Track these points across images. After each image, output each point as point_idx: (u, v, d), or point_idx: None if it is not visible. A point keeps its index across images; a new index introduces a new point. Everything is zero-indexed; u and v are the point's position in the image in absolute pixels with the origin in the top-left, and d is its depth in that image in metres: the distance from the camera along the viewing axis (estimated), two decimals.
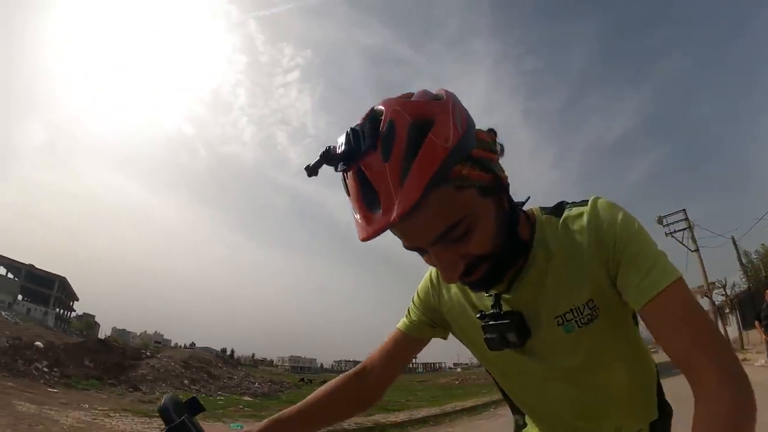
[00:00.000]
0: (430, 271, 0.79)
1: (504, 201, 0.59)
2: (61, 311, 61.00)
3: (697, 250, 18.81)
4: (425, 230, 0.51)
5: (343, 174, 0.52)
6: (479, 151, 0.54)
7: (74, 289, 64.51)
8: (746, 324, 16.06)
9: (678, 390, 0.83)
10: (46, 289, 57.80)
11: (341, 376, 0.79)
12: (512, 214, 0.61)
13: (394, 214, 0.46)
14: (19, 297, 50.65)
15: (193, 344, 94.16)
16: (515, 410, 0.87)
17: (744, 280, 18.64)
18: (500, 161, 0.59)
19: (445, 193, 0.50)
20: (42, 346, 9.72)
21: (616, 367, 0.70)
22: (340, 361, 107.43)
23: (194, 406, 0.58)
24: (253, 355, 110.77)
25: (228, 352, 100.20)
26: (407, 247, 0.55)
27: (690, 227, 19.21)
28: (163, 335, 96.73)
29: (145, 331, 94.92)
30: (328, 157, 0.51)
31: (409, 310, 0.82)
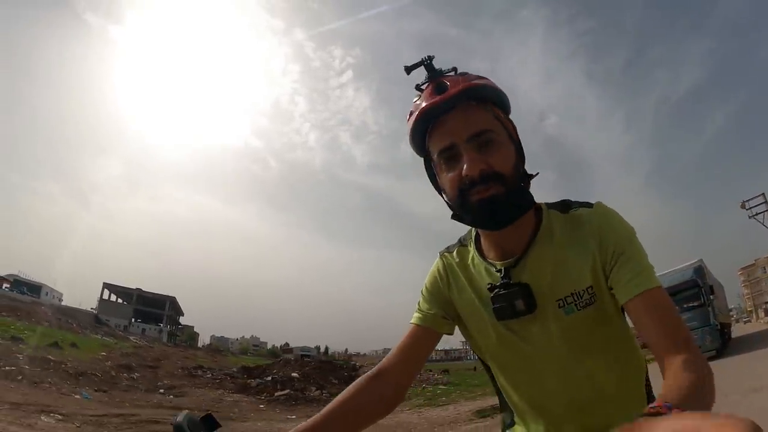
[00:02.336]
0: (437, 264, 0.87)
1: (521, 160, 0.74)
2: (171, 327, 69.32)
3: None
4: (466, 123, 0.68)
5: (419, 88, 0.74)
6: (512, 121, 0.75)
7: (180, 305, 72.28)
8: None
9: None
10: (157, 309, 66.27)
11: (359, 380, 0.76)
12: (525, 177, 0.74)
13: (458, 87, 0.68)
14: (132, 319, 57.19)
15: (287, 344, 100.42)
16: (504, 408, 0.90)
17: None
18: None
19: (486, 110, 0.70)
20: (297, 376, 14.14)
21: (608, 359, 0.76)
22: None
23: (210, 424, 0.57)
24: (346, 350, 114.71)
25: (322, 350, 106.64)
26: (443, 149, 0.70)
27: None
28: (259, 338, 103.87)
29: (243, 336, 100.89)
30: (430, 66, 0.73)
31: (419, 304, 0.85)
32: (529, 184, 0.74)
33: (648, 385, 0.83)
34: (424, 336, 0.81)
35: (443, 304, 0.83)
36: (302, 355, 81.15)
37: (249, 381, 14.86)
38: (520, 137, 0.75)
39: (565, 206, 0.77)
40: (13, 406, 6.66)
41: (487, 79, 0.72)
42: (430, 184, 0.78)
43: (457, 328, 0.86)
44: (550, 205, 0.79)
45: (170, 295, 70.05)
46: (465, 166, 0.67)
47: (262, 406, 11.62)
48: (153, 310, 65.11)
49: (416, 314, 0.83)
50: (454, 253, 0.85)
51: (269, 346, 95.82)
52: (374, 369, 0.77)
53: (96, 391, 10.52)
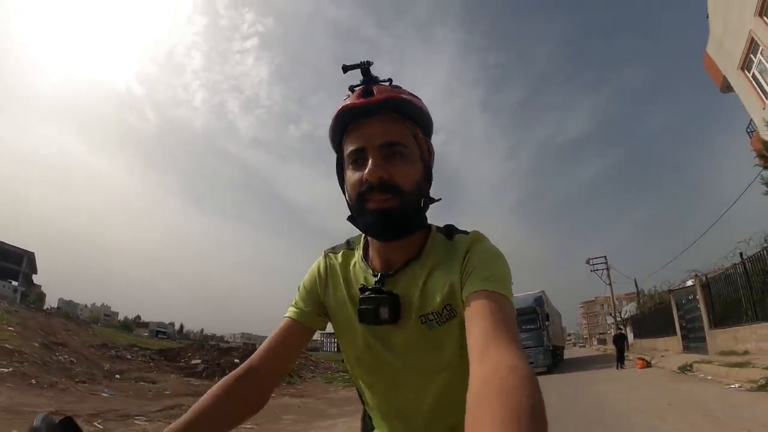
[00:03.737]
0: (319, 262, 0.88)
1: (426, 184, 0.77)
2: (25, 286, 60.95)
3: (610, 284, 29.68)
4: (381, 131, 0.71)
5: (351, 90, 0.74)
6: (430, 144, 0.79)
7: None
8: (637, 335, 26.26)
9: None
10: (14, 264, 58.09)
11: (226, 379, 0.73)
12: (426, 199, 0.77)
13: (383, 95, 0.71)
14: None
15: (138, 317, 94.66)
16: (365, 411, 0.93)
17: (637, 308, 28.41)
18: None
19: (405, 125, 0.73)
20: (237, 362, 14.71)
21: (464, 368, 0.72)
22: None
23: (69, 428, 0.54)
24: (202, 331, 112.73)
25: (177, 327, 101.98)
26: (355, 150, 0.72)
27: (607, 268, 29.59)
28: (110, 307, 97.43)
29: (94, 303, 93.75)
30: (366, 70, 0.74)
31: (296, 299, 0.86)
32: (428, 207, 0.78)
33: None
34: (297, 331, 0.81)
35: (318, 303, 0.84)
36: (157, 332, 78.66)
37: (177, 365, 15.00)
38: (434, 162, 0.80)
39: (449, 232, 0.80)
40: None
41: (417, 98, 0.76)
42: (337, 181, 0.79)
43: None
44: (438, 229, 0.82)
45: (29, 250, 61.52)
46: (366, 170, 0.69)
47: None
48: (9, 265, 56.47)
49: (291, 308, 0.84)
50: (339, 254, 0.87)
51: (120, 317, 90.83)
52: (244, 366, 0.74)
53: (40, 385, 8.46)
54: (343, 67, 0.74)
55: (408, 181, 0.71)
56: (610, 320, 35.73)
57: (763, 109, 11.26)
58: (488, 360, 0.51)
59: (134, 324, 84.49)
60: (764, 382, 6.10)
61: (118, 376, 11.88)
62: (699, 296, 13.00)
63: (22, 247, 60.86)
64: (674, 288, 16.25)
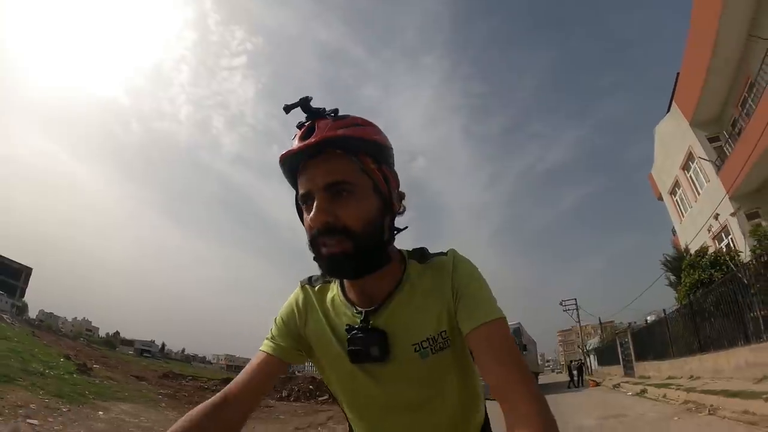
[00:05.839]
0: (296, 295, 0.88)
1: (387, 216, 0.74)
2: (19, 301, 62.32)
3: (578, 322, 35.98)
4: (324, 171, 0.69)
5: (298, 127, 0.72)
6: (388, 170, 0.76)
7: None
8: (599, 363, 32.54)
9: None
10: (13, 279, 60.19)
11: (202, 405, 0.73)
12: (387, 232, 0.75)
13: (318, 137, 0.68)
14: None
15: (117, 333, 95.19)
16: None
17: (599, 342, 35.18)
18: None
19: (351, 160, 0.70)
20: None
21: (459, 398, 0.84)
22: None
23: None
24: (184, 350, 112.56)
25: (159, 346, 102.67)
26: (303, 194, 0.71)
27: (577, 308, 36.15)
28: (91, 322, 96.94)
29: (75, 318, 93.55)
30: (306, 107, 0.72)
31: (272, 331, 0.86)
32: (393, 239, 0.77)
33: (486, 420, 0.94)
34: (272, 364, 0.80)
35: (296, 337, 0.84)
36: (142, 350, 79.83)
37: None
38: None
39: (422, 256, 0.82)
40: None
41: (366, 126, 0.74)
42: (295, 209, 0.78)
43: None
44: (409, 254, 0.83)
45: (28, 265, 63.84)
46: (311, 215, 0.69)
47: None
48: (8, 280, 58.73)
49: (268, 342, 0.83)
50: (317, 288, 0.87)
51: (102, 333, 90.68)
52: (220, 394, 0.75)
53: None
54: (284, 108, 0.73)
55: (358, 220, 0.69)
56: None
57: (680, 222, 17.79)
58: (514, 398, 0.61)
59: (118, 341, 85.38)
60: (640, 391, 12.15)
61: None
62: (629, 340, 19.50)
63: (21, 262, 62.94)
64: (619, 331, 22.89)
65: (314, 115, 0.72)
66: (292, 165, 0.73)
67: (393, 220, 0.77)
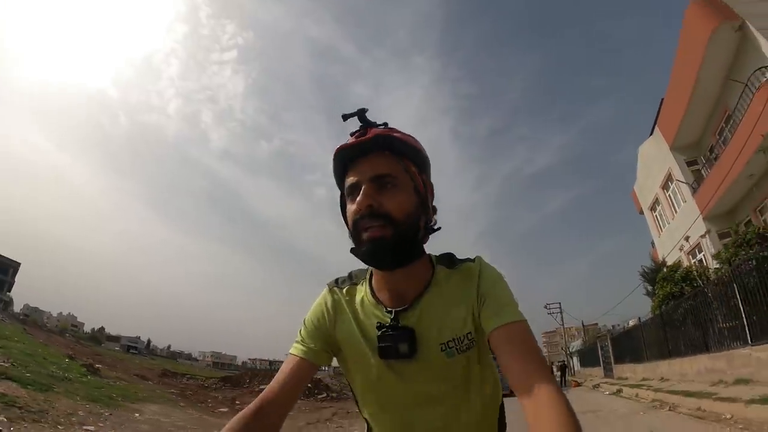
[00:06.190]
0: (324, 296, 0.91)
1: (423, 216, 0.81)
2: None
3: (562, 325, 38.08)
4: (374, 166, 0.77)
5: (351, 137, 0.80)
6: (427, 180, 0.85)
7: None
8: (582, 365, 34.38)
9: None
10: (1, 274, 59.37)
11: (242, 414, 0.74)
12: (422, 231, 0.81)
13: (371, 135, 0.77)
14: None
15: (102, 329, 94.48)
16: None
17: (582, 344, 36.91)
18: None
19: (397, 160, 0.79)
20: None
21: (480, 396, 0.88)
22: (255, 360, 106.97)
23: None
24: (169, 347, 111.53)
25: (145, 342, 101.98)
26: (351, 185, 0.78)
27: (561, 312, 38.05)
28: (76, 317, 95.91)
29: (61, 313, 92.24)
30: (362, 117, 0.80)
31: (301, 334, 0.88)
32: (427, 238, 0.83)
33: (502, 416, 0.98)
34: (304, 368, 0.82)
35: (326, 338, 0.87)
36: (128, 347, 79.34)
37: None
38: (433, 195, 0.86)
39: (450, 261, 0.87)
40: None
41: (411, 137, 0.82)
42: (339, 212, 0.85)
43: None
44: (438, 259, 0.88)
45: (17, 261, 62.93)
46: (357, 200, 0.76)
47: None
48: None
49: (298, 345, 0.86)
50: (344, 290, 0.90)
51: (87, 328, 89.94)
52: (256, 402, 0.76)
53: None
54: (342, 116, 0.80)
55: (400, 210, 0.75)
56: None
57: (659, 236, 19.23)
58: (535, 397, 0.61)
59: (104, 337, 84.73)
60: (616, 391, 13.38)
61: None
62: (609, 344, 21.04)
63: (10, 258, 62.06)
64: (600, 335, 24.52)
65: (368, 124, 0.80)
66: (343, 160, 0.81)
67: (427, 223, 0.82)
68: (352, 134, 0.80)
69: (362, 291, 0.89)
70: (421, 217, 0.80)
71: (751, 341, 7.51)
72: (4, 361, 8.68)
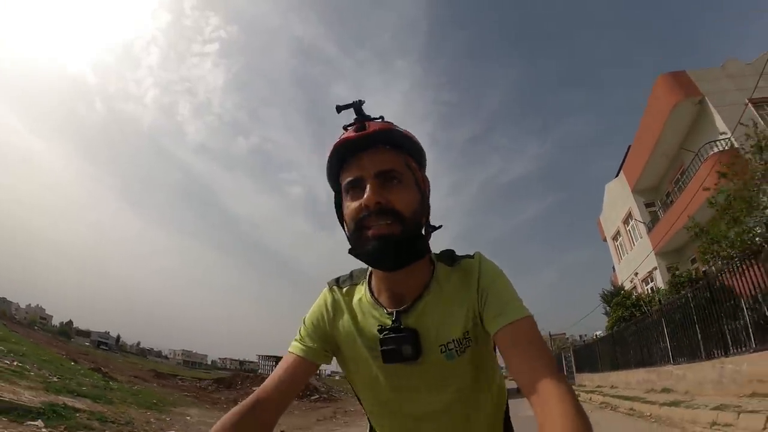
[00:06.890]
0: (324, 296, 0.90)
1: (424, 209, 0.80)
2: None
3: None
4: (377, 161, 0.74)
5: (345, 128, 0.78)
6: (425, 176, 0.83)
7: None
8: None
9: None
10: None
11: (235, 410, 0.73)
12: (426, 226, 0.80)
13: (374, 129, 0.74)
14: None
15: (71, 322, 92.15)
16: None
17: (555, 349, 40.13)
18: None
19: (399, 155, 0.77)
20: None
21: (482, 397, 0.87)
22: (225, 359, 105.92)
23: None
24: (139, 343, 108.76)
25: (115, 338, 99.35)
26: (352, 180, 0.75)
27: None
28: (45, 309, 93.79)
29: (29, 305, 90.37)
30: (358, 109, 0.78)
31: (300, 333, 0.87)
32: (430, 235, 0.81)
33: (507, 417, 0.97)
34: (302, 366, 0.82)
35: (325, 338, 0.86)
36: (99, 342, 77.46)
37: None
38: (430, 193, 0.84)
39: (450, 259, 0.85)
40: None
41: (410, 133, 0.80)
42: (335, 215, 0.82)
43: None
44: (437, 257, 0.86)
45: None
46: (365, 196, 0.72)
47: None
48: None
49: (296, 344, 0.85)
50: (345, 289, 0.89)
51: (55, 321, 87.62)
52: (252, 397, 0.75)
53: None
54: (336, 108, 0.77)
55: (407, 206, 0.74)
56: None
57: (618, 263, 22.01)
58: (544, 397, 0.60)
59: (73, 331, 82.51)
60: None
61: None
62: (571, 354, 24.02)
63: None
64: (564, 346, 27.84)
65: (365, 117, 0.78)
66: (342, 155, 0.77)
67: (427, 219, 0.82)
68: (345, 127, 0.78)
69: (361, 291, 0.88)
70: (424, 214, 0.81)
71: (673, 361, 9.98)
72: (49, 375, 8.39)
